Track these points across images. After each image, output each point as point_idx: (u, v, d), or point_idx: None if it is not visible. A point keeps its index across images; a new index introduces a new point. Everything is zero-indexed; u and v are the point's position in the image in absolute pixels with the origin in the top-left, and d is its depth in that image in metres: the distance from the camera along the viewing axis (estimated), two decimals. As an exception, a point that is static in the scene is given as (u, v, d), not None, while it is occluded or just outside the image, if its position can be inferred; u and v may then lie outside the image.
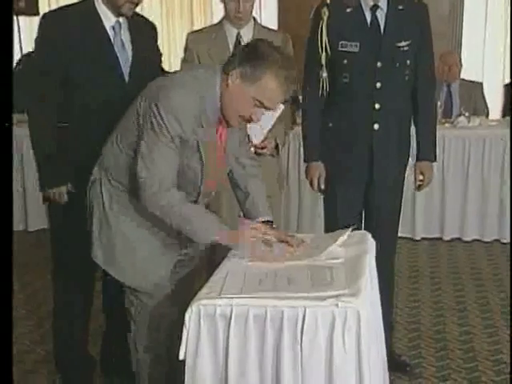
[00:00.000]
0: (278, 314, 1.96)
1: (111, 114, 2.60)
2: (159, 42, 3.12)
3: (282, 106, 3.08)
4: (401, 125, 3.18)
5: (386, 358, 2.52)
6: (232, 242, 2.38)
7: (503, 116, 6.61)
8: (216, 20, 3.90)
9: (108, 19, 2.80)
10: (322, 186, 3.20)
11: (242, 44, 2.56)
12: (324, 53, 3.07)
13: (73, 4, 2.88)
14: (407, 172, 3.32)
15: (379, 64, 3.06)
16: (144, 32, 2.96)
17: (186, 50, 3.49)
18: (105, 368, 3.31)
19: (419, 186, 3.30)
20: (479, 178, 5.29)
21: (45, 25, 2.79)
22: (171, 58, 8.17)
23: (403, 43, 3.07)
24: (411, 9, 3.12)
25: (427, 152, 3.25)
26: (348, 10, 3.07)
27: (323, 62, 3.08)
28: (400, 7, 3.08)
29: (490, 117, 6.23)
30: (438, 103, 5.61)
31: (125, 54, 2.84)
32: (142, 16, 3.06)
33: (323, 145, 3.19)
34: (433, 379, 3.26)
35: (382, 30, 3.07)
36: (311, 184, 3.25)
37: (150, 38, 3.03)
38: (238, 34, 3.42)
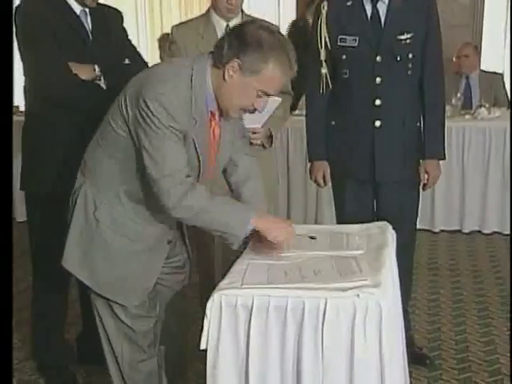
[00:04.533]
0: (299, 305, 1.97)
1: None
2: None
3: (279, 99, 2.98)
4: (406, 121, 3.08)
5: (405, 350, 2.52)
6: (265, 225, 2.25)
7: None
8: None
9: (76, 8, 2.90)
10: (328, 184, 3.17)
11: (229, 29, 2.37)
12: (323, 48, 3.00)
13: None
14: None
15: (379, 58, 2.96)
16: (108, 20, 3.04)
17: (171, 43, 3.35)
18: (82, 356, 3.35)
19: (424, 185, 3.17)
20: (500, 170, 5.24)
21: (19, 14, 2.82)
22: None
23: (405, 35, 2.97)
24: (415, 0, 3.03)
25: (433, 149, 3.12)
26: (348, 4, 2.99)
27: (322, 57, 3.01)
28: None
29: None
30: (458, 95, 5.65)
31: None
32: (108, 6, 3.13)
33: (328, 143, 3.14)
34: (452, 371, 3.25)
35: (382, 23, 2.98)
36: (316, 182, 3.20)
37: (114, 26, 3.09)
38: (227, 26, 3.20)
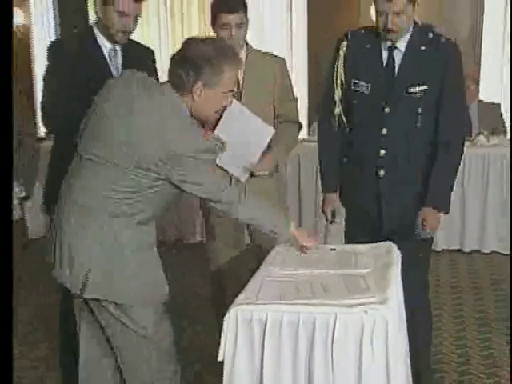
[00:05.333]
0: (311, 320, 1.96)
1: None
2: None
3: (272, 131, 2.95)
4: (417, 170, 2.80)
5: (409, 364, 2.47)
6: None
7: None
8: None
9: (104, 46, 2.91)
10: (335, 220, 2.97)
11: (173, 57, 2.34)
12: (339, 88, 2.82)
13: (77, 32, 3.05)
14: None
15: (387, 110, 2.74)
16: (138, 58, 3.00)
17: None
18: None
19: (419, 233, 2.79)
20: (498, 193, 5.23)
21: (50, 53, 2.88)
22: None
23: (417, 88, 2.71)
24: (436, 50, 2.72)
25: (434, 198, 2.76)
26: (367, 47, 2.77)
27: (336, 98, 2.83)
28: (422, 48, 2.71)
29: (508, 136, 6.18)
30: None
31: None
32: (139, 43, 3.11)
33: (341, 177, 2.95)
34: (454, 384, 3.23)
35: (396, 73, 2.74)
36: (325, 216, 3.01)
37: (143, 63, 3.00)
38: None
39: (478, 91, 6.43)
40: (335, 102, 2.83)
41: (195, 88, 2.24)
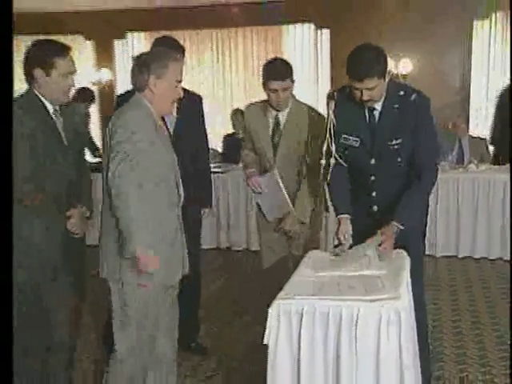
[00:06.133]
0: (338, 312, 1.94)
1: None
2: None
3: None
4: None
5: (417, 353, 2.33)
6: None
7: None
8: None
9: None
10: (344, 241, 2.51)
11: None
12: (327, 142, 2.54)
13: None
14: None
15: (373, 161, 2.52)
16: (190, 105, 3.02)
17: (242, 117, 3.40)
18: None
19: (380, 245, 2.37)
20: (486, 209, 5.14)
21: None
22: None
23: (394, 141, 2.47)
24: (408, 106, 2.46)
25: (396, 213, 2.43)
26: (352, 104, 2.47)
27: (323, 150, 2.56)
28: (396, 106, 2.46)
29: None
30: (453, 153, 5.74)
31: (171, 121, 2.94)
32: (190, 93, 3.05)
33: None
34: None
35: (376, 129, 2.50)
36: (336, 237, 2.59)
37: (194, 108, 3.11)
38: (277, 117, 3.04)
39: (468, 128, 6.45)
40: (321, 153, 2.57)
41: (150, 83, 2.20)
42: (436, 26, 7.19)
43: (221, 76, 8.21)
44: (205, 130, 3.24)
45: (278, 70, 2.94)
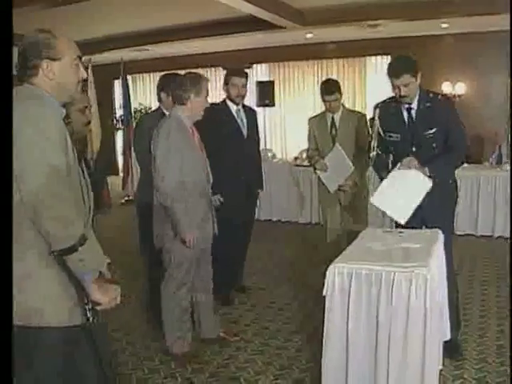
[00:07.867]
0: (379, 275, 2.38)
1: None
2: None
3: (351, 168, 4.06)
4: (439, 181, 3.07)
5: (443, 315, 2.77)
6: None
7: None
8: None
9: (233, 107, 4.00)
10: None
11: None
12: (374, 140, 3.18)
13: (214, 103, 3.90)
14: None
15: (414, 149, 3.11)
16: (250, 115, 4.10)
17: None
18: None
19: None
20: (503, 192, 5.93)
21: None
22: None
23: (429, 132, 3.06)
24: (437, 103, 3.08)
25: (428, 164, 3.04)
26: (392, 110, 3.13)
27: (372, 145, 3.20)
28: (427, 104, 3.07)
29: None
30: (493, 155, 6.86)
31: (243, 124, 4.03)
32: (250, 108, 4.19)
33: None
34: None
35: (414, 124, 3.09)
36: None
37: (254, 118, 4.18)
38: (333, 118, 4.20)
39: (508, 137, 7.24)
40: (370, 148, 3.25)
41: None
42: (483, 58, 8.47)
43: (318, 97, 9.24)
44: (258, 132, 4.26)
45: (328, 88, 4.12)
